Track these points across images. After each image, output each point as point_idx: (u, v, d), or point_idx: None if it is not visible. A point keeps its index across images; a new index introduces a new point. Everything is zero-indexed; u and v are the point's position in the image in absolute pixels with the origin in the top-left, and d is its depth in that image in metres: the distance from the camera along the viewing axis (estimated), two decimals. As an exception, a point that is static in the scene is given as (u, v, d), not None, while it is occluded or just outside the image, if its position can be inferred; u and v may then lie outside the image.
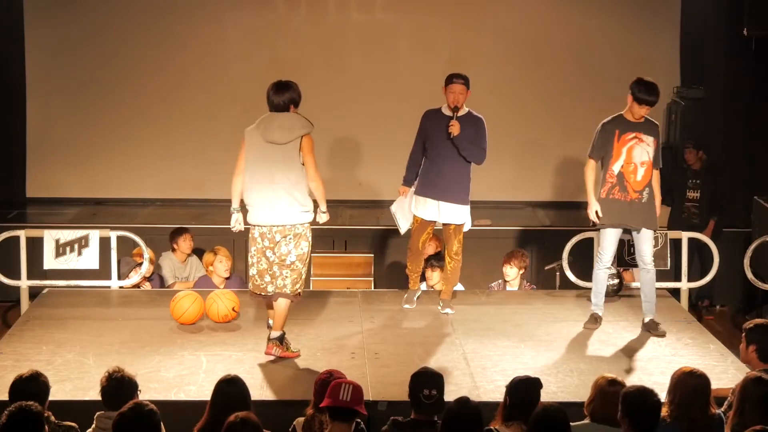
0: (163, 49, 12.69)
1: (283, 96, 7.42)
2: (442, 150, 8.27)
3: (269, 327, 7.64)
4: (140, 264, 9.39)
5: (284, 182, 7.37)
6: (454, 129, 8.17)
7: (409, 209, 8.52)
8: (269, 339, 7.43)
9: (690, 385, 5.56)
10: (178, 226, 10.49)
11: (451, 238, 8.47)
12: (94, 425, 5.58)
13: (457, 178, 8.31)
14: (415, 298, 8.70)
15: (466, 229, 8.53)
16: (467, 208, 8.41)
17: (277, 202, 7.37)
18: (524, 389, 5.53)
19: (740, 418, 5.38)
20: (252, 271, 7.55)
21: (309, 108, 13.23)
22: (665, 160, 12.00)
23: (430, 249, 9.78)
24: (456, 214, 8.36)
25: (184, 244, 10.18)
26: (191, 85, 12.72)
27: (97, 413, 5.60)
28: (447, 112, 8.33)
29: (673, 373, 5.70)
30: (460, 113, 8.27)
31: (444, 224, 8.45)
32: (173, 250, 10.20)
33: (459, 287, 9.41)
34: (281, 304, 7.44)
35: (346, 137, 12.76)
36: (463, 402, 5.31)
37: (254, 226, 7.49)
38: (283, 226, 7.41)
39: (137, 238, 9.34)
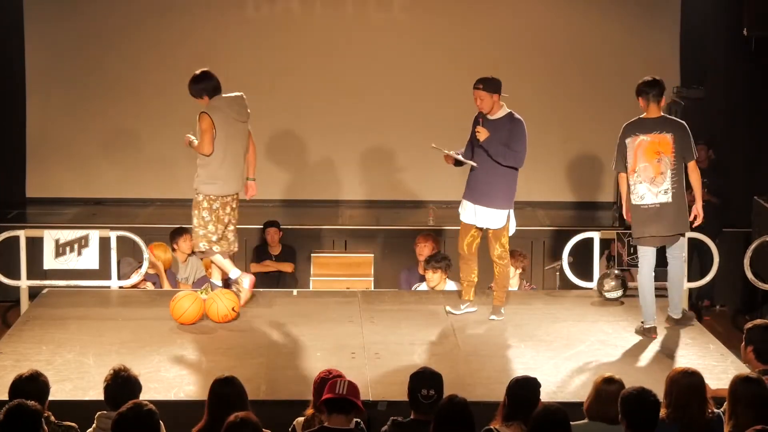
0: (163, 48, 12.70)
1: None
2: (476, 154, 8.21)
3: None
4: (141, 265, 9.39)
5: (245, 154, 8.43)
6: (481, 135, 8.09)
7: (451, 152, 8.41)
8: (238, 281, 8.41)
9: (684, 384, 5.58)
10: (178, 226, 10.49)
11: (491, 243, 8.36)
12: (94, 425, 5.59)
13: (491, 182, 8.20)
14: (462, 306, 8.50)
15: (510, 233, 8.44)
16: (504, 213, 8.29)
17: (242, 173, 8.41)
18: (523, 389, 5.54)
19: (736, 420, 5.38)
20: (214, 238, 8.35)
21: (310, 106, 13.32)
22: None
23: (427, 250, 9.78)
24: (490, 219, 8.27)
25: (185, 244, 10.17)
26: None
27: (98, 413, 5.61)
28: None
29: (667, 375, 5.72)
30: (497, 115, 8.15)
31: (486, 228, 8.37)
32: (173, 250, 10.19)
33: (458, 287, 9.42)
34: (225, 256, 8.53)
35: (347, 137, 12.76)
36: (450, 398, 5.33)
37: (219, 197, 8.29)
38: (238, 193, 8.46)
39: (137, 238, 9.33)
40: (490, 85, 8.12)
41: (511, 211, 8.40)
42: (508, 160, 8.15)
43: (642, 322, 8.09)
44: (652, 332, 7.99)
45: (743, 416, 5.36)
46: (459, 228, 8.50)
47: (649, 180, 7.84)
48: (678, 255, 8.13)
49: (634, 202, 7.91)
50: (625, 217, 8.22)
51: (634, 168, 7.87)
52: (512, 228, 8.47)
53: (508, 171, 8.21)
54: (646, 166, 7.83)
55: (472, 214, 8.29)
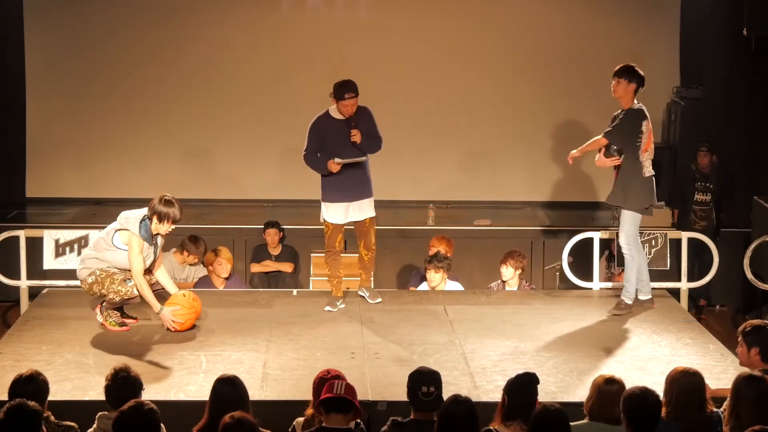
0: (164, 49, 12.70)
1: None
2: (344, 154, 8.32)
3: None
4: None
5: None
6: (357, 138, 8.30)
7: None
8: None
9: (685, 384, 5.57)
10: (194, 235, 10.39)
11: (368, 233, 8.57)
12: (95, 425, 5.59)
13: (362, 174, 8.44)
14: (338, 303, 8.62)
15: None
16: (373, 199, 8.57)
17: None
18: (521, 385, 5.54)
19: (738, 420, 5.37)
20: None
21: (310, 106, 13.28)
22: (667, 161, 12.08)
23: (431, 249, 9.77)
24: (368, 208, 8.51)
25: (190, 257, 10.16)
26: (191, 86, 12.72)
27: (99, 413, 5.61)
28: (336, 115, 8.41)
29: (667, 374, 5.71)
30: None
31: (358, 221, 8.51)
32: (176, 251, 10.16)
33: (459, 287, 9.42)
34: None
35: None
36: (454, 399, 5.33)
37: None
38: None
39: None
40: (357, 90, 8.45)
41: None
42: (376, 147, 8.46)
43: (627, 303, 8.48)
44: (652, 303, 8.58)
45: (745, 415, 5.35)
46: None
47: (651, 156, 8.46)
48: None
49: (646, 175, 8.34)
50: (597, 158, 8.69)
51: (646, 148, 8.34)
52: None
53: (367, 161, 8.49)
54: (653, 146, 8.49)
55: (343, 214, 8.45)
